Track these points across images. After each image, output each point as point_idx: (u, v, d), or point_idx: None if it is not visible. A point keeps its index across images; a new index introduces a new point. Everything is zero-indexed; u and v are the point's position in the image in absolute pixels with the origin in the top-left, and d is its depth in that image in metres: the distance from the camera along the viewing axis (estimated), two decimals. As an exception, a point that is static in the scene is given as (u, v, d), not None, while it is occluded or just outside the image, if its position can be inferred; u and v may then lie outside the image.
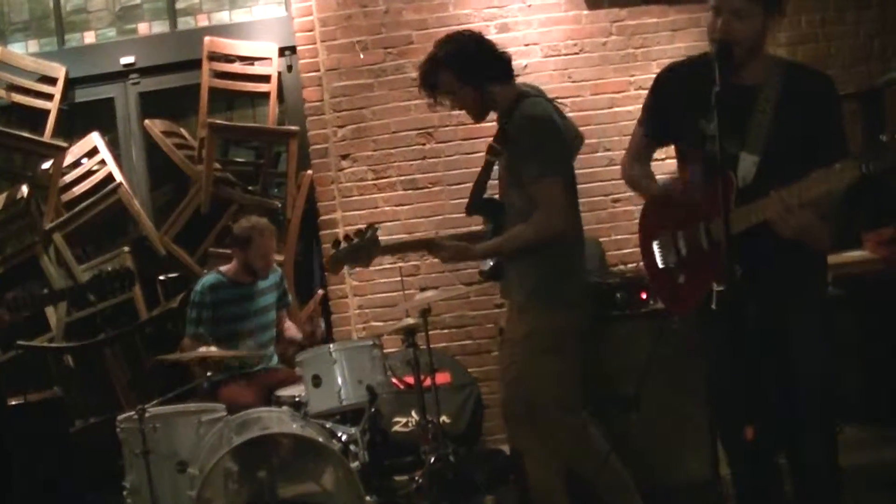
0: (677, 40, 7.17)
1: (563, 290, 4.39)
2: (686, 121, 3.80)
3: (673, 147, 4.07)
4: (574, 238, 4.44)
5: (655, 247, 4.04)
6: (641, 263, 4.18)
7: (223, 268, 6.39)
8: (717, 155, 3.45)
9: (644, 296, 5.49)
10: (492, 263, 4.55)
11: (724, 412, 3.93)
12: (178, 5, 7.89)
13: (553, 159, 4.32)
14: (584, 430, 4.47)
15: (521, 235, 4.38)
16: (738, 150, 3.64)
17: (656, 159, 4.19)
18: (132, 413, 4.95)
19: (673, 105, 3.91)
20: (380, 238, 4.48)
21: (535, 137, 4.33)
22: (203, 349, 5.48)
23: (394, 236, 6.85)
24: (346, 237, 4.46)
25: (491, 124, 6.53)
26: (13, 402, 5.59)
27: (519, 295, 4.50)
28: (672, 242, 3.91)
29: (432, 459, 5.65)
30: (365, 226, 4.49)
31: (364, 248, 4.44)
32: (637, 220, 4.20)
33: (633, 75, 7.18)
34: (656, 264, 4.05)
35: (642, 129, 4.11)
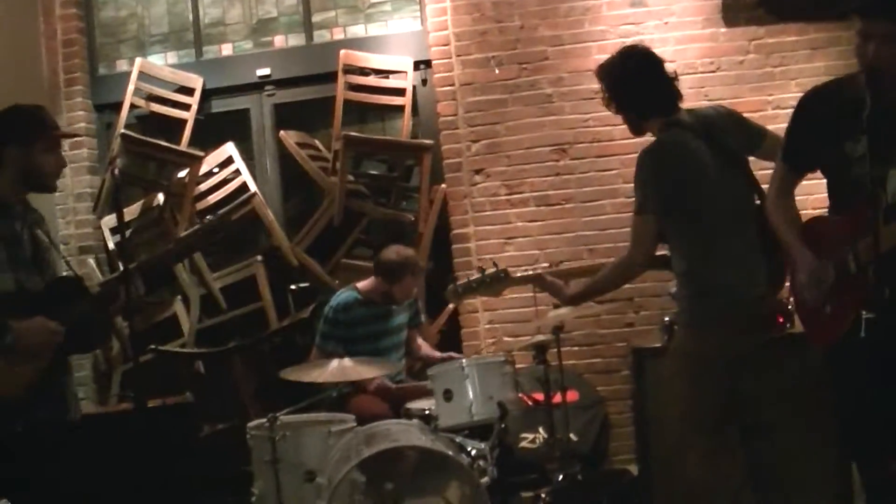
0: (816, 59, 6.97)
1: (704, 313, 4.31)
2: (830, 144, 3.71)
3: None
4: (723, 260, 4.30)
5: None
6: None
7: (360, 284, 6.40)
8: (863, 177, 3.37)
9: (780, 320, 5.35)
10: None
11: (866, 444, 3.80)
12: (315, 19, 7.95)
13: (646, 196, 4.33)
14: (713, 458, 4.31)
15: (602, 277, 4.66)
16: (885, 170, 3.53)
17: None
18: (263, 420, 4.96)
19: (816, 129, 3.82)
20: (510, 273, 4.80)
21: (640, 171, 4.38)
22: (334, 363, 5.45)
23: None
24: (480, 269, 4.80)
25: (626, 142, 6.50)
26: (151, 405, 5.65)
27: (677, 312, 4.55)
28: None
29: (560, 478, 5.57)
30: (494, 265, 4.78)
31: (486, 284, 4.78)
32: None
33: (770, 95, 6.99)
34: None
35: (783, 156, 4.02)
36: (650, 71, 4.49)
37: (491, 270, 4.75)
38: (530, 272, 5.06)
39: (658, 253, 4.59)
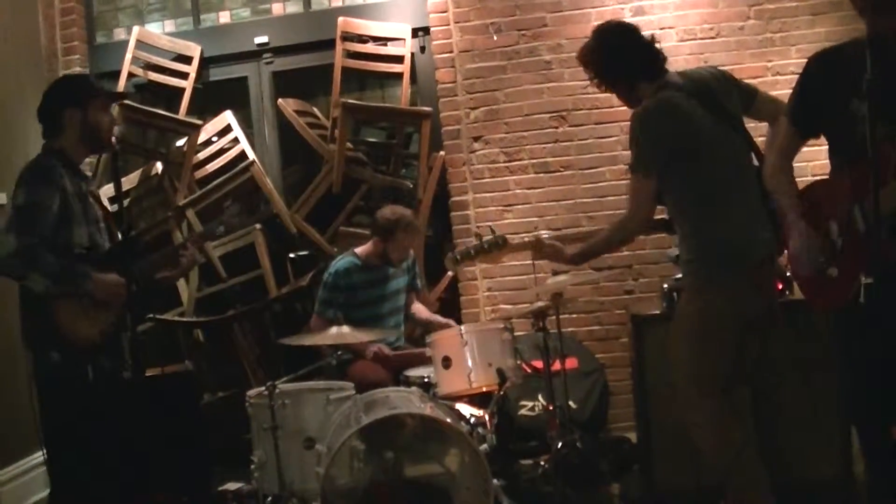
0: (818, 25, 6.88)
1: (711, 273, 4.32)
2: (837, 104, 3.68)
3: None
4: (727, 219, 4.33)
5: None
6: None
7: (358, 249, 6.40)
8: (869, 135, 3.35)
9: (780, 286, 5.34)
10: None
11: (866, 410, 3.80)
12: (313, -15, 7.93)
13: (642, 154, 4.35)
14: (722, 417, 4.35)
15: (602, 237, 4.66)
16: (892, 130, 3.49)
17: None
18: (262, 388, 4.96)
19: (824, 90, 3.78)
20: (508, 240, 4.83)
21: (632, 132, 4.39)
22: (333, 329, 5.47)
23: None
24: (478, 236, 4.81)
25: (625, 109, 6.39)
26: (150, 374, 5.69)
27: (682, 276, 4.56)
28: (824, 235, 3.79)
29: (559, 445, 5.57)
30: (491, 231, 4.82)
31: (484, 250, 4.80)
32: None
33: (770, 61, 6.92)
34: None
35: (788, 118, 3.99)
36: (628, 38, 4.54)
37: (489, 237, 4.78)
38: (527, 239, 5.08)
39: (658, 217, 4.60)
